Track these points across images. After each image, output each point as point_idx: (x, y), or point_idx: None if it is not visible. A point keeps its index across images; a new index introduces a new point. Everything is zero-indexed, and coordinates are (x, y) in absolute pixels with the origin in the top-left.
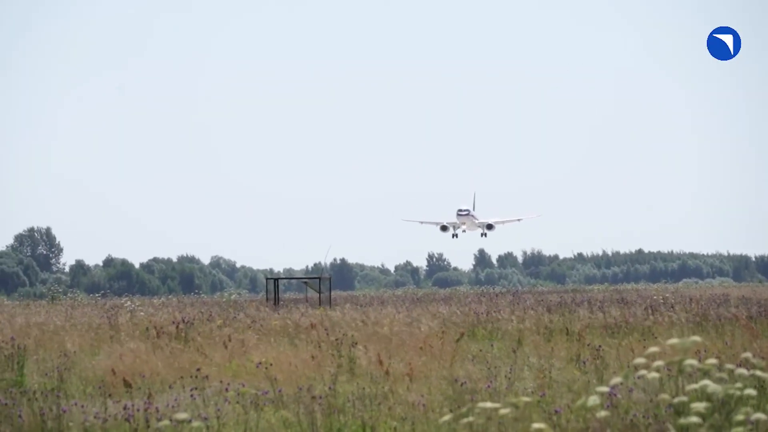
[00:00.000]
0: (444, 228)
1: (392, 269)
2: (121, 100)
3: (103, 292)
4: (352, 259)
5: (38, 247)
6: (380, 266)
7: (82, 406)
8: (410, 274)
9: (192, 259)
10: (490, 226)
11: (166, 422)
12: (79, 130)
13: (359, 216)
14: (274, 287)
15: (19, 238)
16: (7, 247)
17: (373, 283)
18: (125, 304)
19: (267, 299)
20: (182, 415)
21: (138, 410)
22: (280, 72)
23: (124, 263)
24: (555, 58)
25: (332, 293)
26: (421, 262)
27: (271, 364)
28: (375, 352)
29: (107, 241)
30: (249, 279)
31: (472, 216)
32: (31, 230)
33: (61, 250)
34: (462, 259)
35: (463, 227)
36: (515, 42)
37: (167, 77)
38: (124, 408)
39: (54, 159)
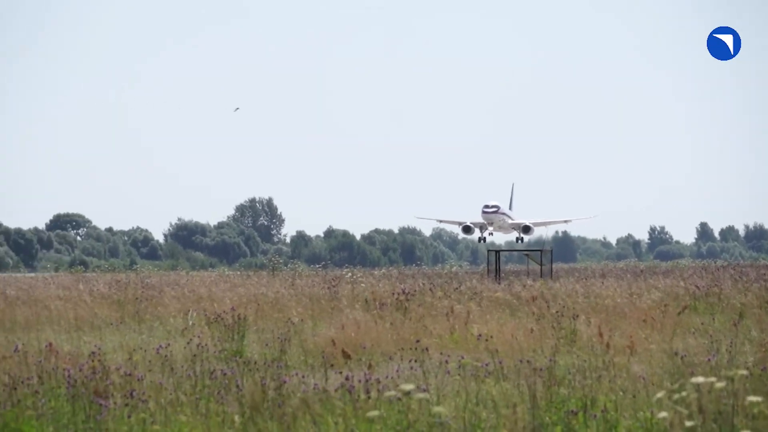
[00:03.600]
0: (467, 229)
1: (614, 242)
2: (339, 67)
3: (323, 263)
4: (574, 232)
5: (259, 217)
6: (602, 239)
7: (303, 377)
8: (632, 247)
9: (413, 231)
10: (527, 229)
11: (391, 393)
12: (298, 99)
13: (583, 189)
14: (495, 259)
15: (241, 209)
16: (229, 217)
17: (595, 256)
18: (346, 275)
19: (488, 271)
20: (408, 386)
21: (359, 381)
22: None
23: (345, 234)
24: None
25: (553, 266)
26: (642, 235)
27: (491, 336)
28: (596, 324)
29: (328, 212)
30: (470, 251)
31: (504, 214)
32: (253, 201)
33: (282, 220)
34: (684, 233)
35: (490, 228)
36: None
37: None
38: (346, 379)
39: (275, 129)
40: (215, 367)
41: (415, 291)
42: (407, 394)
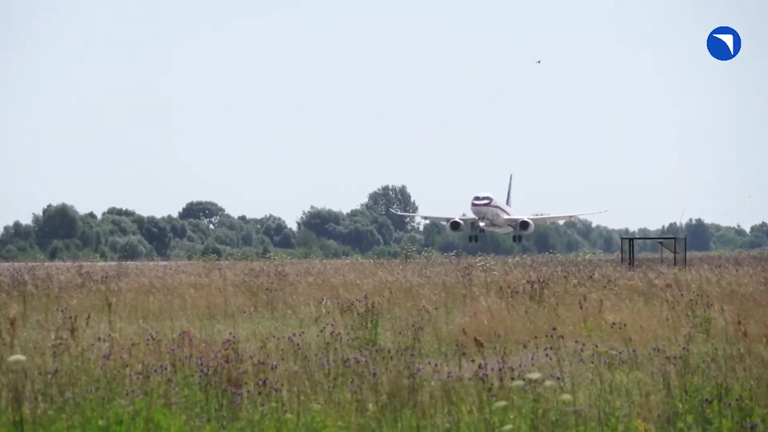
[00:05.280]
0: (455, 225)
1: (748, 230)
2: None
3: (456, 251)
4: (708, 220)
5: (393, 205)
6: (736, 227)
7: (436, 365)
8: (766, 235)
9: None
10: (524, 225)
11: (519, 382)
12: (432, 84)
13: (715, 176)
14: (629, 247)
15: (374, 197)
16: (362, 205)
17: (729, 244)
18: (479, 263)
19: (622, 259)
20: (535, 375)
21: (492, 369)
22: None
23: None
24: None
25: (687, 254)
26: None
27: (625, 324)
28: (731, 312)
29: (462, 199)
30: (603, 239)
31: (497, 208)
32: (386, 188)
33: (416, 208)
34: None
35: (482, 224)
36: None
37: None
38: (479, 367)
39: (408, 116)
40: (348, 355)
41: (548, 279)
42: (540, 382)
